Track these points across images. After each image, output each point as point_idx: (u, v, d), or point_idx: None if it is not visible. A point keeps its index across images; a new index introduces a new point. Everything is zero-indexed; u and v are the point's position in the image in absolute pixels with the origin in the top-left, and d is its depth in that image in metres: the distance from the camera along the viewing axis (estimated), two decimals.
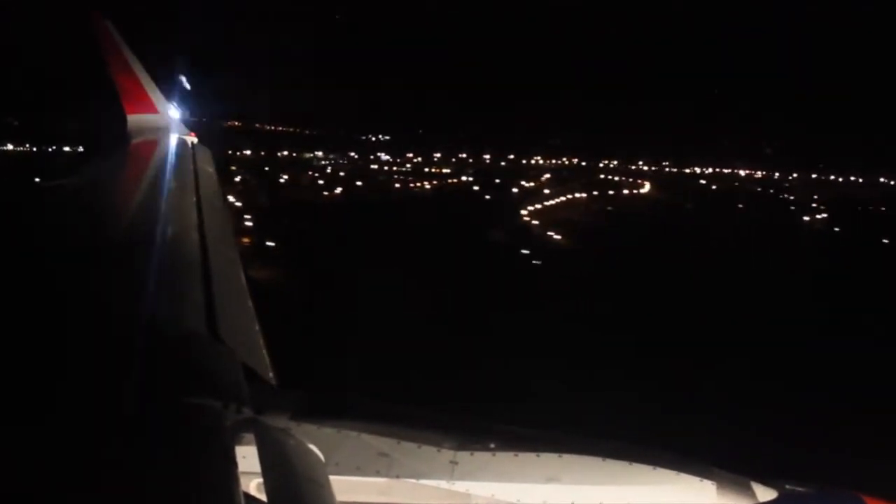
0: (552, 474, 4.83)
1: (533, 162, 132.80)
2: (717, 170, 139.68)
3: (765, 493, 4.87)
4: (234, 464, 3.98)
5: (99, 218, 9.63)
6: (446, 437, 4.90)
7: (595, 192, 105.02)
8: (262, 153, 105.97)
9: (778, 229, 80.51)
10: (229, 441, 4.34)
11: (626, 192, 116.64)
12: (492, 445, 4.89)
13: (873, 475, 6.22)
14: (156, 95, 16.36)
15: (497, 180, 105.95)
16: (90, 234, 8.64)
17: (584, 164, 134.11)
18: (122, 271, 7.31)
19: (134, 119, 16.23)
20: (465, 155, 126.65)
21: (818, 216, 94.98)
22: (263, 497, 4.25)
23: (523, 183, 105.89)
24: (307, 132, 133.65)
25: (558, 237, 68.77)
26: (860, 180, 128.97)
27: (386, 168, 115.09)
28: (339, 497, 4.38)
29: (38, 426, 4.08)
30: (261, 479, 4.29)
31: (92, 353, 5.11)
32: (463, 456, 4.84)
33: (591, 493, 4.83)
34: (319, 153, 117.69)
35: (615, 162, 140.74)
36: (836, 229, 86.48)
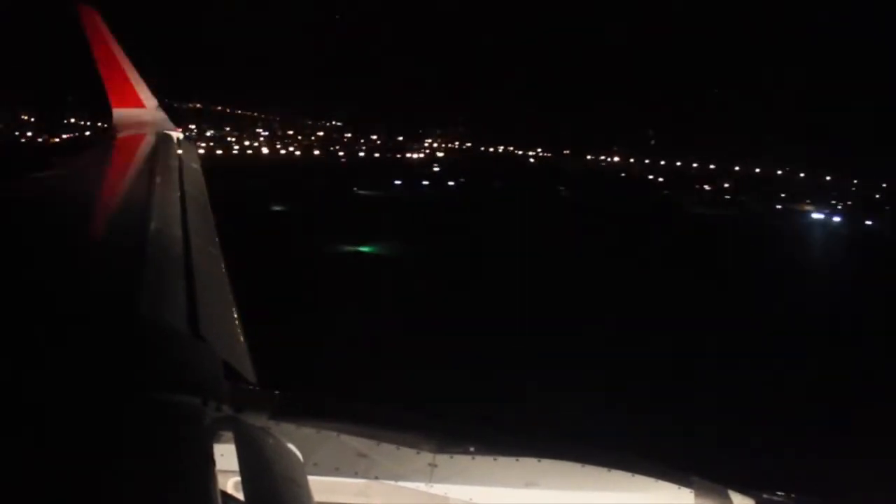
0: (531, 479, 4.84)
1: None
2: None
3: (742, 501, 4.90)
4: (212, 462, 3.94)
5: (79, 212, 9.53)
6: (426, 439, 4.89)
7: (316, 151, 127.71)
8: None
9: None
10: (207, 439, 4.30)
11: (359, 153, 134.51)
12: (471, 449, 4.89)
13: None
14: (142, 90, 16.28)
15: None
16: (69, 228, 8.55)
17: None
18: (103, 266, 7.23)
19: (119, 113, 16.14)
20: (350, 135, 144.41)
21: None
22: (240, 496, 4.22)
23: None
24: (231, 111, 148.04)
25: None
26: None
27: (236, 141, 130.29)
28: (317, 497, 4.34)
29: (12, 424, 4.01)
30: (238, 478, 4.25)
31: (70, 348, 5.05)
32: (442, 459, 4.83)
33: (569, 499, 4.84)
34: (192, 126, 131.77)
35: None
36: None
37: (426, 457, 4.82)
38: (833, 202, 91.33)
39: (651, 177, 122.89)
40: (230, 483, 4.47)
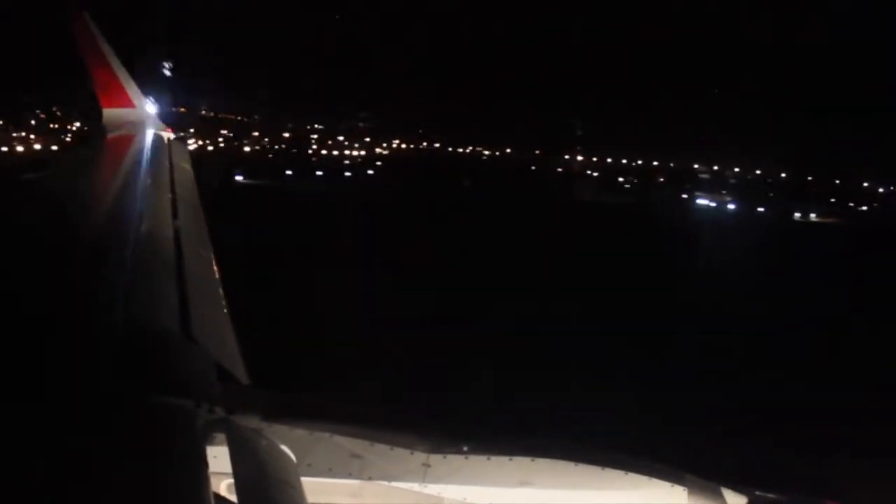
0: (525, 478, 4.84)
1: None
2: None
3: (735, 498, 4.92)
4: (205, 464, 3.93)
5: (71, 213, 9.48)
6: (419, 439, 4.89)
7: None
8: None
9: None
10: (200, 441, 4.28)
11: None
12: (465, 448, 4.88)
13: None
14: (132, 90, 16.23)
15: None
16: (62, 229, 8.50)
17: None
18: (95, 268, 7.19)
19: (110, 113, 16.08)
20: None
21: None
22: (234, 498, 4.21)
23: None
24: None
25: None
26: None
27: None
28: (310, 498, 4.34)
29: (6, 426, 3.98)
30: (231, 480, 4.24)
31: (61, 351, 5.01)
32: (436, 459, 4.82)
33: (563, 498, 4.85)
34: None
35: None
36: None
37: (420, 457, 4.82)
38: (755, 194, 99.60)
39: (588, 172, 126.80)
40: (223, 485, 4.45)
